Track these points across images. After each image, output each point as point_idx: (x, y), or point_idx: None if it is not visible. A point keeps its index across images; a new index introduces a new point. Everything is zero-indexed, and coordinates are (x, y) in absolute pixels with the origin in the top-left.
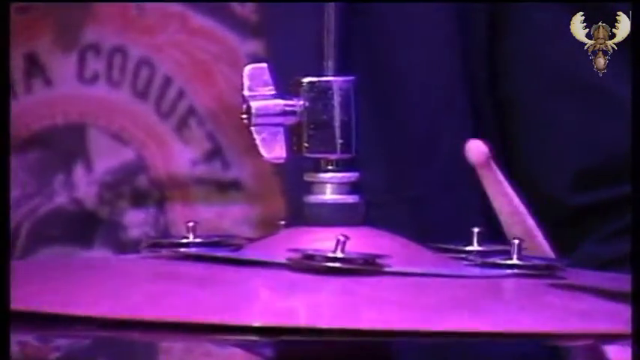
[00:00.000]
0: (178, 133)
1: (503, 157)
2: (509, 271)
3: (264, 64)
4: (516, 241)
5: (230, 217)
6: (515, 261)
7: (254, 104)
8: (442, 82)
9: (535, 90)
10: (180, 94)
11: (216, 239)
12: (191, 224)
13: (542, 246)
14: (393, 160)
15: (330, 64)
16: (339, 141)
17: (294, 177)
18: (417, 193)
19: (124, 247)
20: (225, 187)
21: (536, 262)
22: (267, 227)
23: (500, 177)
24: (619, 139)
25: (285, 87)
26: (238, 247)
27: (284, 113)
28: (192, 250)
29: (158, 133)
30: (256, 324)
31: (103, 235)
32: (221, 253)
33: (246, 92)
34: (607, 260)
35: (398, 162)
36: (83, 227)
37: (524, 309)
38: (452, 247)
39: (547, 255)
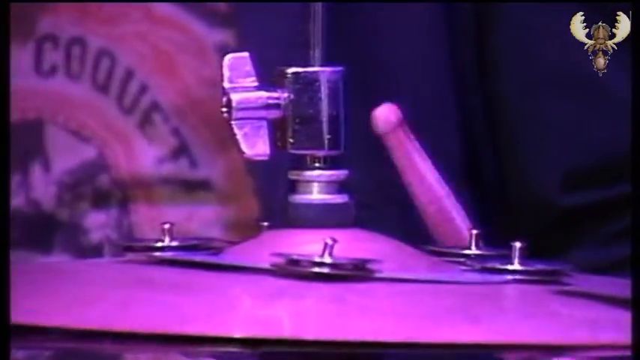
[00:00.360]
0: (142, 130)
1: (494, 156)
2: (510, 277)
3: (246, 54)
4: (518, 245)
5: (199, 218)
6: (516, 266)
7: (235, 97)
8: (431, 81)
9: (525, 88)
10: (143, 88)
11: (194, 242)
12: (167, 226)
13: (461, 230)
14: (383, 159)
15: (316, 53)
16: (327, 136)
17: (268, 175)
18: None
19: (85, 251)
20: (193, 187)
21: (539, 267)
22: (240, 229)
23: (411, 148)
24: (611, 138)
25: (261, 79)
26: (218, 251)
27: (267, 106)
28: (168, 254)
29: (120, 130)
30: (237, 334)
31: (63, 239)
32: (199, 257)
33: (226, 84)
34: (604, 264)
35: (388, 160)
36: (41, 230)
37: (527, 318)
38: (449, 250)
39: (464, 240)
